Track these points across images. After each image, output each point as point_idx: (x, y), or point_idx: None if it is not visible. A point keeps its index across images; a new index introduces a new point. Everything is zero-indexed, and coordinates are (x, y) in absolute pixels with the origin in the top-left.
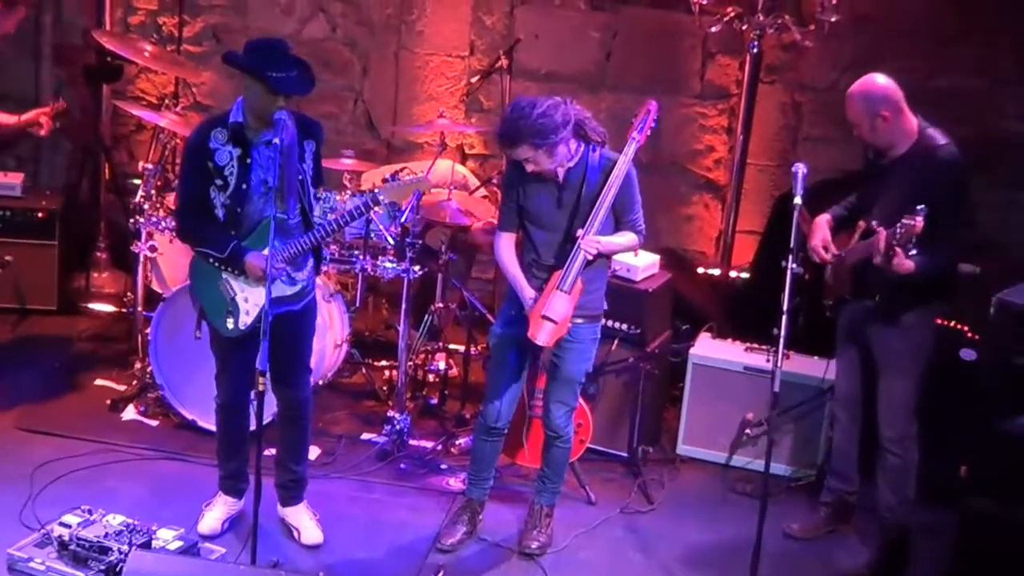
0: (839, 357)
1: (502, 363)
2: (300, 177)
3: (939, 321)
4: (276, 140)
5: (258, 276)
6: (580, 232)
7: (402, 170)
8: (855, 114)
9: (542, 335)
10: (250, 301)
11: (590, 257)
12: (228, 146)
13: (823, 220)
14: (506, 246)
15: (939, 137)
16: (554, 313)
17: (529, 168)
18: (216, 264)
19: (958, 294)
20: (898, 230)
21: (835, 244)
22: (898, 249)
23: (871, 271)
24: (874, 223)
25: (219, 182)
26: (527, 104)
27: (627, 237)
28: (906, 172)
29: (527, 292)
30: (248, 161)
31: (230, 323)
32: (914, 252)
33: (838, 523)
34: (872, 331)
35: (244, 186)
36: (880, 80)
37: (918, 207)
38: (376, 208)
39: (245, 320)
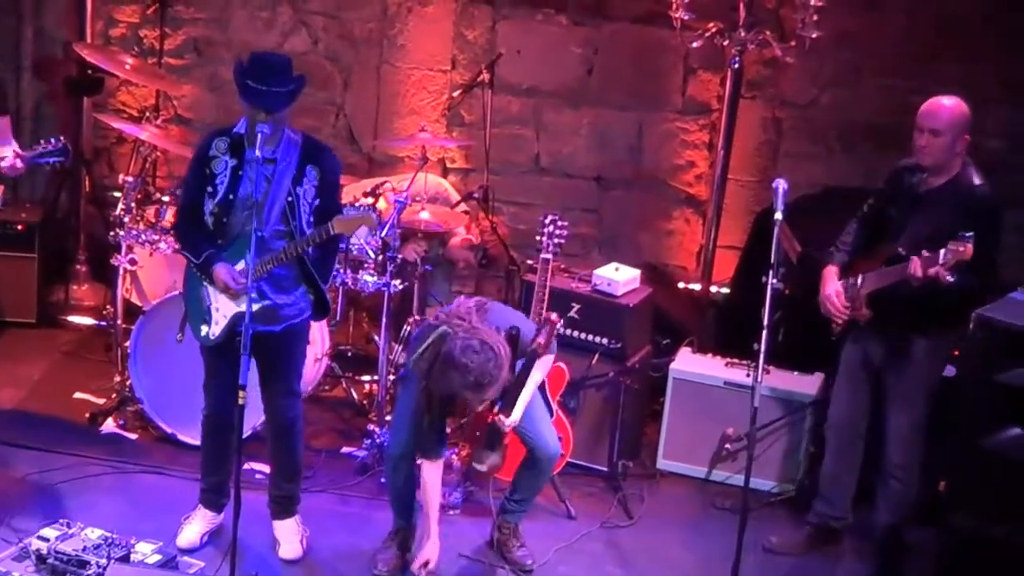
0: (843, 384)
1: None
2: (290, 199)
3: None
4: (259, 153)
5: (221, 287)
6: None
7: (383, 184)
8: (946, 123)
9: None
10: (220, 312)
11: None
12: (226, 156)
13: (833, 272)
14: (435, 477)
15: (977, 176)
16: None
17: (477, 407)
18: (195, 270)
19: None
20: (945, 255)
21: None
22: (941, 270)
23: (891, 301)
24: (900, 250)
25: (210, 189)
26: (488, 347)
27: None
28: (941, 204)
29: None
30: (240, 173)
31: (203, 330)
32: (951, 277)
33: (820, 545)
34: (888, 362)
35: (231, 196)
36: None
37: (966, 234)
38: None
39: (215, 330)
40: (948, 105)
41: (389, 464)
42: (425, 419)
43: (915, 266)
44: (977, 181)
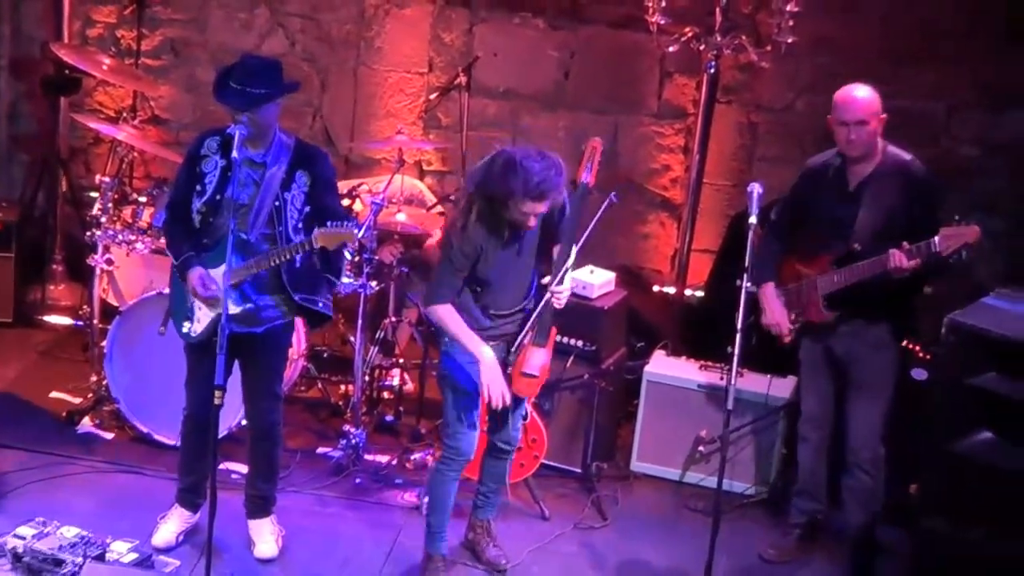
0: (810, 380)
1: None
2: (277, 203)
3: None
4: (235, 154)
5: (194, 293)
6: (547, 280)
7: (359, 186)
8: (867, 110)
9: (528, 391)
10: (203, 310)
11: (560, 307)
12: (217, 155)
13: (773, 291)
14: (451, 312)
15: (904, 153)
16: (534, 368)
17: (531, 222)
18: (175, 269)
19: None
20: (938, 243)
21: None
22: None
23: (851, 295)
24: (856, 246)
25: (199, 188)
26: (549, 157)
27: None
28: (882, 191)
29: (485, 351)
30: (229, 174)
31: (186, 326)
32: (953, 259)
33: (809, 542)
34: (852, 351)
35: (219, 197)
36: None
37: (957, 217)
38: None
39: (197, 328)
40: (863, 94)
41: (457, 465)
42: (458, 253)
43: (897, 259)
44: (908, 157)
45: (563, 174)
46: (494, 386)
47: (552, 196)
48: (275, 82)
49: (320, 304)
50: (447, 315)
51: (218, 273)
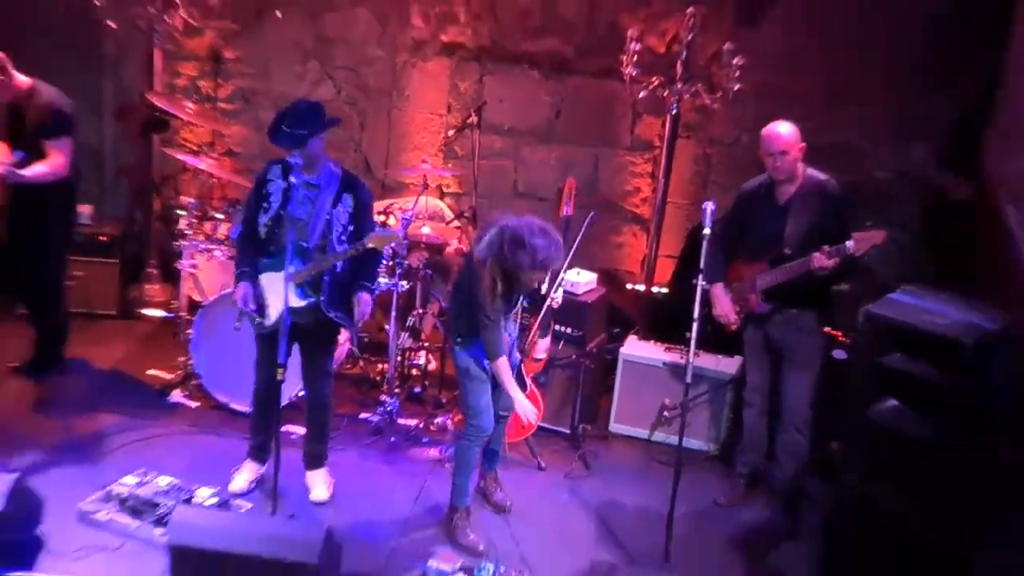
0: (752, 359)
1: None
2: (327, 217)
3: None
4: (293, 179)
5: (235, 302)
6: (545, 290)
7: (392, 205)
8: (788, 143)
9: (536, 369)
10: (273, 307)
11: (556, 308)
12: (280, 179)
13: (720, 292)
14: (505, 364)
15: (820, 174)
16: (541, 353)
17: (537, 284)
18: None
19: (834, 307)
20: (851, 246)
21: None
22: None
23: (785, 290)
24: (787, 251)
25: (264, 205)
26: (550, 235)
27: None
28: (805, 206)
29: (518, 394)
30: (290, 194)
31: (257, 320)
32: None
33: (752, 490)
34: (785, 336)
35: (282, 213)
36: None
37: (868, 223)
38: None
39: (266, 321)
40: (784, 130)
41: (478, 440)
42: (491, 311)
43: (820, 260)
44: (823, 177)
45: (561, 249)
46: (524, 410)
47: (551, 268)
48: (316, 122)
49: (332, 315)
50: (503, 366)
51: (278, 277)
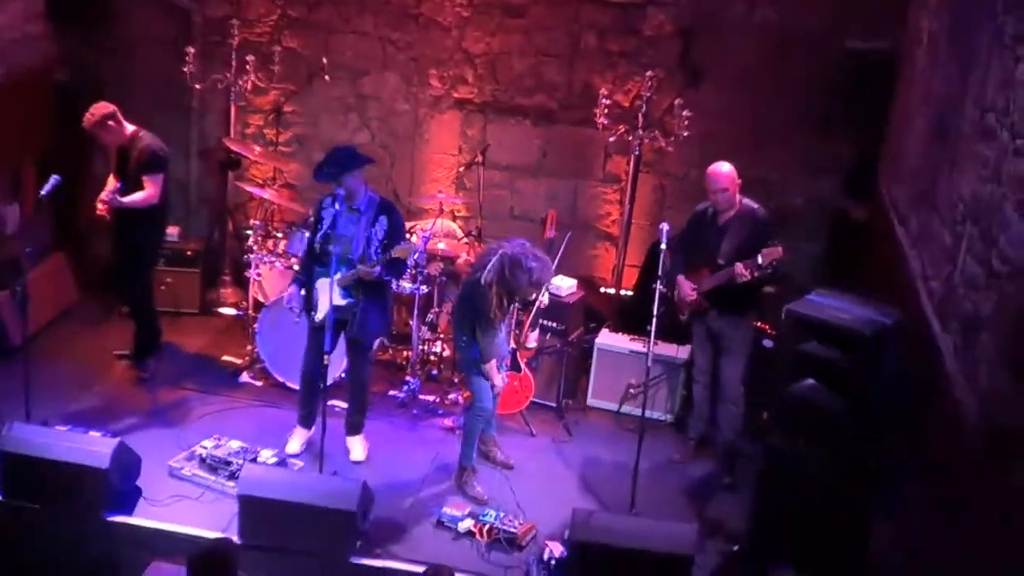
0: (698, 348)
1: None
2: (366, 235)
3: (754, 323)
4: (337, 206)
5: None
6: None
7: (415, 226)
8: (729, 181)
9: (528, 355)
10: (322, 305)
11: (544, 306)
12: (331, 207)
13: (682, 279)
14: (494, 365)
15: (754, 203)
16: (532, 342)
17: (535, 298)
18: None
19: (764, 306)
20: (761, 259)
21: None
22: (756, 271)
23: (721, 293)
24: (720, 261)
25: (319, 227)
26: (541, 258)
27: None
28: (738, 227)
29: (497, 378)
30: (337, 219)
31: (313, 315)
32: (769, 271)
33: (701, 450)
34: (721, 329)
35: (330, 232)
36: (727, 164)
37: (772, 241)
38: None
39: (318, 315)
40: (723, 170)
41: (482, 420)
42: (493, 319)
43: (739, 269)
44: (755, 206)
45: (551, 268)
46: (499, 384)
47: (544, 285)
48: (345, 164)
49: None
50: (492, 366)
51: (326, 282)
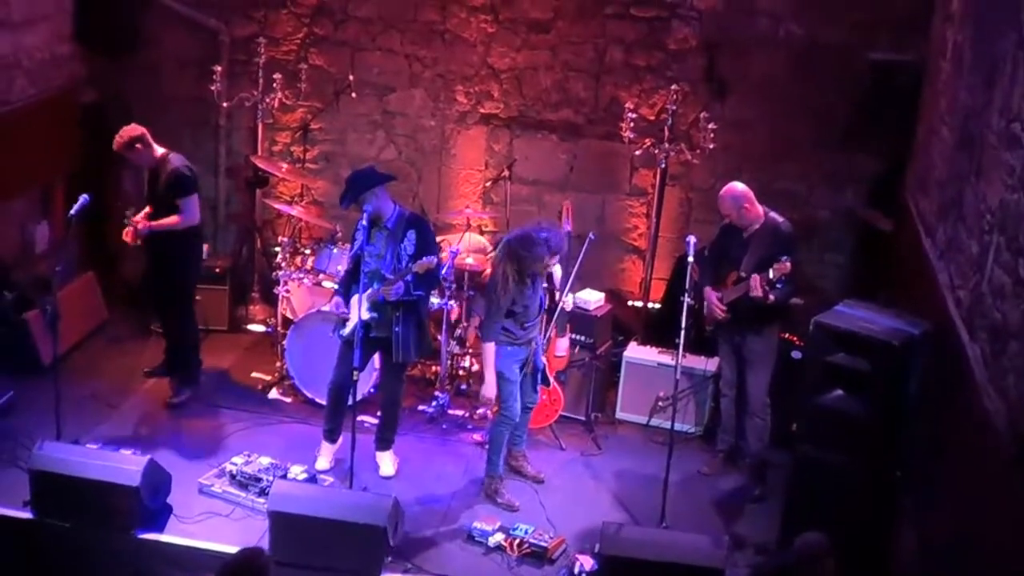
0: (725, 360)
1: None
2: (396, 251)
3: (781, 334)
4: (364, 223)
5: (329, 316)
6: (558, 296)
7: (443, 241)
8: (727, 208)
9: (559, 366)
10: (351, 321)
11: (568, 310)
12: (365, 225)
13: (709, 291)
14: (491, 348)
15: (778, 217)
16: (562, 351)
17: (550, 269)
18: None
19: (792, 318)
20: (771, 273)
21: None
22: (767, 288)
23: (744, 305)
24: (742, 273)
25: (353, 243)
26: (551, 228)
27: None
28: (760, 241)
29: (490, 377)
30: (369, 235)
31: (341, 330)
32: (780, 286)
33: (731, 463)
34: (745, 342)
35: (363, 249)
36: (739, 185)
37: (782, 257)
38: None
39: (346, 330)
40: (723, 195)
41: (508, 427)
42: (502, 302)
43: (754, 283)
44: (780, 220)
45: (564, 237)
46: (489, 390)
47: (562, 251)
48: (361, 186)
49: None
50: (489, 350)
51: (357, 298)
